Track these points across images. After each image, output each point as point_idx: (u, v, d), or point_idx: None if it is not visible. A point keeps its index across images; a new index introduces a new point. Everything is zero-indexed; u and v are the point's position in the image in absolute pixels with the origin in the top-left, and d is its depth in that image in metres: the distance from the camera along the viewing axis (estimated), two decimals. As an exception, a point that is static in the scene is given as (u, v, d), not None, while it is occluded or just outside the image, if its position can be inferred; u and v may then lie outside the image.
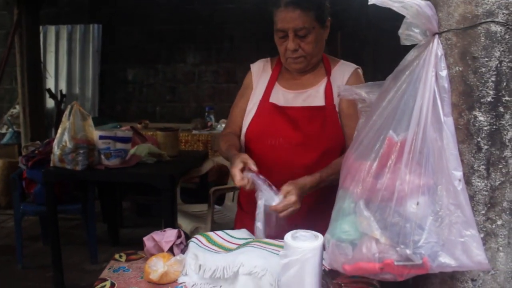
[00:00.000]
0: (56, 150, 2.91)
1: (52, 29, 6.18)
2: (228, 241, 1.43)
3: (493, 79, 0.97)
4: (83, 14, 6.11)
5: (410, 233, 0.96)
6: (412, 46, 1.07)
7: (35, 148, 3.59)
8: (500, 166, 0.99)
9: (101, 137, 2.95)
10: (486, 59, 0.98)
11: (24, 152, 3.71)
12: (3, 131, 5.77)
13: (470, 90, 1.00)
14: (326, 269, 1.21)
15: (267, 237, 1.42)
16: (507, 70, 0.97)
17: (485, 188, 1.00)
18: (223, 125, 4.77)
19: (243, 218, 1.76)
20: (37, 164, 3.38)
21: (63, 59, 6.23)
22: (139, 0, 5.83)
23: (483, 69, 0.98)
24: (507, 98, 0.97)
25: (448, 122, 0.99)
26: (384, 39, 3.13)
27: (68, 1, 6.14)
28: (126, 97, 6.22)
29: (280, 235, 1.23)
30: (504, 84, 0.97)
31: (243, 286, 1.18)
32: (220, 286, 1.22)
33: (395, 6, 0.99)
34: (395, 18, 1.10)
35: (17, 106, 5.51)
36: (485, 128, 0.99)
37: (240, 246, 1.36)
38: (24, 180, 3.60)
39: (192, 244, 1.37)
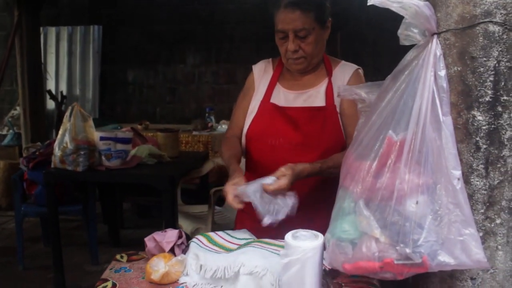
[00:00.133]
0: (57, 151, 2.92)
1: (52, 31, 6.19)
2: (229, 241, 1.43)
3: (491, 78, 0.98)
4: (83, 15, 6.12)
5: (410, 232, 0.96)
6: (411, 46, 1.08)
7: (36, 150, 3.59)
8: (498, 165, 0.99)
9: (101, 138, 2.95)
10: (485, 59, 0.98)
11: (25, 153, 3.71)
12: (4, 132, 5.78)
13: (469, 89, 1.00)
14: (327, 269, 1.21)
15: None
16: (505, 70, 0.97)
17: (484, 187, 1.01)
18: (224, 126, 4.80)
19: (244, 219, 1.77)
20: (38, 166, 3.38)
21: (64, 60, 6.24)
22: (139, 1, 5.84)
23: (482, 69, 0.99)
24: (505, 98, 0.98)
25: (447, 122, 1.00)
26: (384, 39, 3.14)
27: (68, 2, 6.15)
28: (127, 98, 6.23)
29: (280, 235, 1.24)
30: (502, 83, 0.98)
31: (244, 286, 1.19)
32: (221, 286, 1.23)
33: (394, 7, 1.00)
34: (394, 19, 1.10)
35: (17, 108, 5.52)
36: (484, 127, 1.00)
37: (240, 246, 1.37)
38: (25, 181, 3.60)
39: (193, 245, 1.37)
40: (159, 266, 1.25)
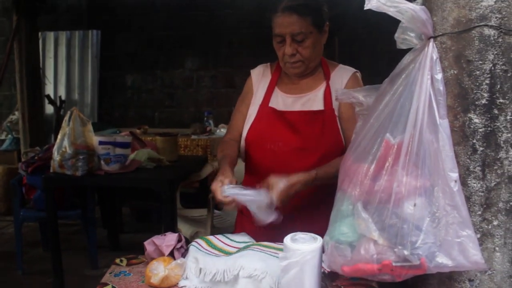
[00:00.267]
0: (56, 156, 2.92)
1: (51, 35, 6.20)
2: (228, 245, 1.44)
3: (487, 81, 0.99)
4: (82, 20, 6.13)
5: (408, 234, 0.97)
6: (408, 50, 1.09)
7: (34, 154, 3.59)
8: (495, 167, 1.00)
9: (100, 143, 2.96)
10: (480, 62, 0.99)
11: (23, 158, 3.71)
12: (3, 137, 5.77)
13: (465, 92, 1.01)
14: (326, 271, 1.22)
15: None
16: (500, 73, 0.98)
17: (481, 189, 1.01)
18: (222, 130, 4.80)
19: (243, 222, 1.77)
20: (37, 170, 3.38)
21: (62, 65, 6.24)
22: (138, 6, 5.86)
23: (477, 72, 1.00)
24: (501, 100, 0.99)
25: (443, 124, 1.00)
26: (382, 43, 3.15)
27: (67, 7, 6.16)
28: (125, 103, 6.23)
29: (279, 238, 1.24)
30: (498, 86, 0.99)
31: (243, 288, 1.19)
32: (221, 289, 1.23)
33: (391, 11, 1.01)
34: (392, 22, 1.11)
35: (16, 113, 5.51)
36: (480, 130, 1.01)
37: (240, 249, 1.37)
38: (24, 186, 3.60)
39: (192, 248, 1.38)
40: (158, 270, 1.25)
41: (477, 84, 1.00)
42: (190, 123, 5.30)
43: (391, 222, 0.99)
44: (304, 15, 1.57)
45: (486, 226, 1.02)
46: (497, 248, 1.02)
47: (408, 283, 1.14)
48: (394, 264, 0.99)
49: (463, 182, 1.02)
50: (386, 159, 1.02)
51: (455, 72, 1.02)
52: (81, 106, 6.13)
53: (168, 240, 1.39)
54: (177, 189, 3.27)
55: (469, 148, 1.01)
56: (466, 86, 1.01)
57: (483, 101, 1.00)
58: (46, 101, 5.78)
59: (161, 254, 1.37)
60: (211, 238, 1.47)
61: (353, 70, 1.73)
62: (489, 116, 1.00)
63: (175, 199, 3.10)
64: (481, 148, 1.01)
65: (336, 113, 1.66)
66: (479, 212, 1.02)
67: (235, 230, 1.82)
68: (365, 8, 1.01)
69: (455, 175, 0.98)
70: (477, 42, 0.99)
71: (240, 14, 5.66)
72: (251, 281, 1.19)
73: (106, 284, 1.28)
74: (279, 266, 1.10)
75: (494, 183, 1.01)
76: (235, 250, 1.38)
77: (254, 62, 1.91)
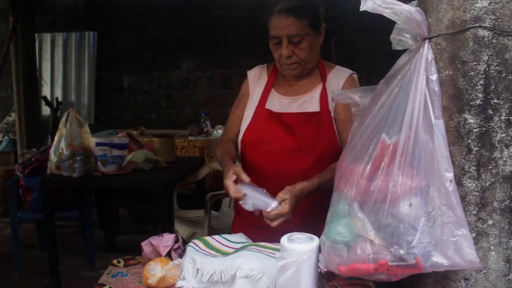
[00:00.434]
0: (53, 157, 2.92)
1: (47, 37, 6.18)
2: (225, 245, 1.44)
3: (481, 82, 1.00)
4: (79, 22, 6.12)
5: (404, 233, 0.98)
6: (404, 51, 1.10)
7: (31, 156, 3.59)
8: (490, 167, 1.01)
9: (97, 144, 2.96)
10: (475, 63, 1.00)
11: (20, 159, 3.71)
12: (-1, 139, 5.76)
13: (460, 93, 1.02)
14: (322, 271, 1.22)
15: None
16: (495, 74, 0.99)
17: (476, 189, 1.02)
18: (219, 131, 4.80)
19: (240, 223, 1.77)
20: (34, 172, 3.38)
21: (59, 66, 6.23)
22: (134, 7, 5.85)
23: (472, 73, 1.01)
24: (495, 101, 0.99)
25: (439, 125, 1.01)
26: (378, 44, 3.16)
27: (64, 9, 6.15)
28: (122, 104, 6.23)
29: (276, 238, 1.25)
30: (493, 87, 0.99)
31: (240, 289, 1.20)
32: (218, 290, 1.24)
33: (386, 12, 1.02)
34: (387, 24, 1.12)
35: (12, 114, 5.51)
36: (475, 130, 1.01)
37: (237, 249, 1.38)
38: (21, 187, 3.59)
39: (189, 249, 1.38)
40: (156, 270, 1.26)
41: (472, 84, 1.01)
42: (187, 124, 5.30)
43: (387, 222, 1.00)
44: (301, 17, 1.58)
45: (481, 226, 1.03)
46: (492, 247, 1.03)
47: (404, 283, 1.14)
48: (390, 263, 0.99)
49: (458, 181, 1.03)
50: (382, 159, 1.03)
51: (450, 73, 1.03)
52: (78, 107, 6.12)
53: (165, 241, 1.39)
54: (174, 190, 3.27)
55: (464, 148, 1.02)
56: (461, 86, 1.02)
57: (478, 102, 1.01)
58: (43, 102, 5.76)
59: (159, 254, 1.38)
60: (208, 238, 1.47)
61: (350, 71, 1.74)
62: (483, 116, 1.01)
63: (172, 200, 3.10)
64: (476, 148, 1.02)
65: (332, 114, 1.67)
66: (474, 212, 1.03)
67: (232, 231, 1.82)
68: (360, 10, 1.02)
69: (450, 175, 0.99)
70: (471, 43, 1.00)
71: (237, 16, 5.66)
72: (248, 281, 1.20)
73: (104, 285, 1.28)
74: (276, 266, 1.11)
75: (489, 182, 1.01)
76: (232, 250, 1.39)
77: (251, 63, 1.91)
